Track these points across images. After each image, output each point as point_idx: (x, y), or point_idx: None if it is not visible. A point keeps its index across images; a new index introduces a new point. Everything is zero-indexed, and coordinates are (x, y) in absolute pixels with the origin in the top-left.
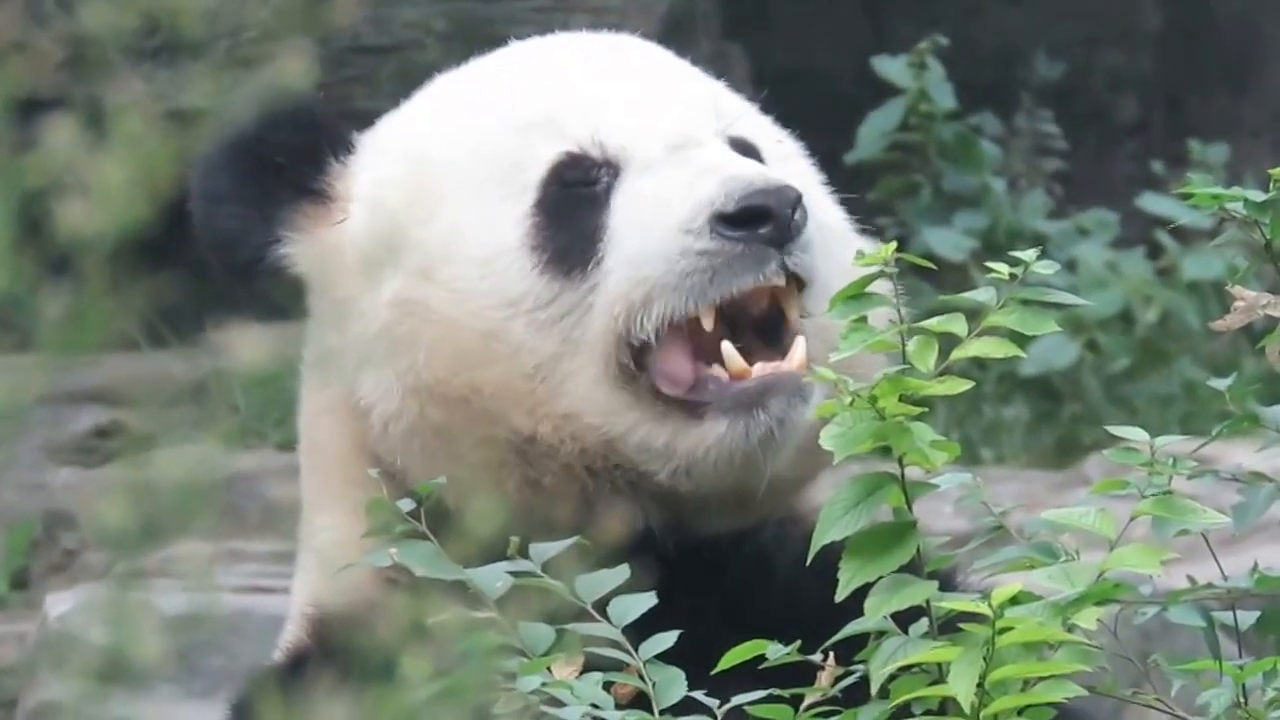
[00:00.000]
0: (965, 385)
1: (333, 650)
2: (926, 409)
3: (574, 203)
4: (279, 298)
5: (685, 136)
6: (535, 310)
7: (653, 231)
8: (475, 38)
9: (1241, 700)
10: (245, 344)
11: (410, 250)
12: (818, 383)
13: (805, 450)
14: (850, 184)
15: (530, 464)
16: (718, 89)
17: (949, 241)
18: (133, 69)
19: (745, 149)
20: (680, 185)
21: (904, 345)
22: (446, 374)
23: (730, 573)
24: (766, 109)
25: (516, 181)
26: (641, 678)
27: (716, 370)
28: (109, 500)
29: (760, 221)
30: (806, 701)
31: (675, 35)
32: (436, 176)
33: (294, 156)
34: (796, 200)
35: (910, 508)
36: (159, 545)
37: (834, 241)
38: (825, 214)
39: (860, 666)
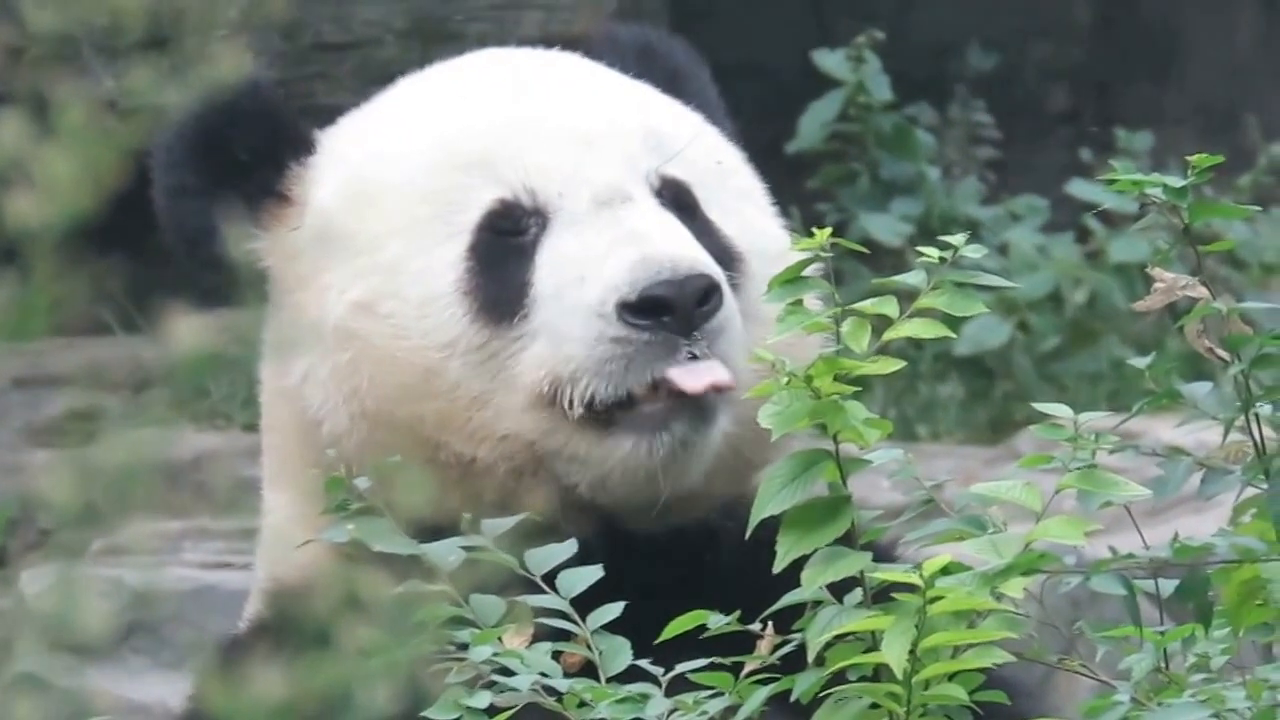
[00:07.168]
0: (897, 365)
1: (288, 623)
2: (862, 388)
3: (504, 252)
4: (242, 287)
5: (613, 190)
6: (469, 353)
7: (571, 309)
8: (433, 35)
9: (1163, 665)
10: (185, 328)
11: (354, 280)
12: (723, 404)
13: (736, 455)
14: (792, 173)
15: (471, 482)
16: (657, 112)
17: (886, 227)
18: (107, 68)
19: (677, 192)
20: (598, 253)
21: (838, 327)
22: (391, 404)
23: (674, 549)
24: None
25: (454, 222)
26: (589, 647)
27: None
28: (52, 481)
29: (663, 311)
30: (746, 669)
31: None
32: (382, 207)
33: (256, 155)
34: (704, 290)
35: (845, 483)
36: (104, 525)
37: (768, 265)
38: (759, 236)
39: (798, 635)
